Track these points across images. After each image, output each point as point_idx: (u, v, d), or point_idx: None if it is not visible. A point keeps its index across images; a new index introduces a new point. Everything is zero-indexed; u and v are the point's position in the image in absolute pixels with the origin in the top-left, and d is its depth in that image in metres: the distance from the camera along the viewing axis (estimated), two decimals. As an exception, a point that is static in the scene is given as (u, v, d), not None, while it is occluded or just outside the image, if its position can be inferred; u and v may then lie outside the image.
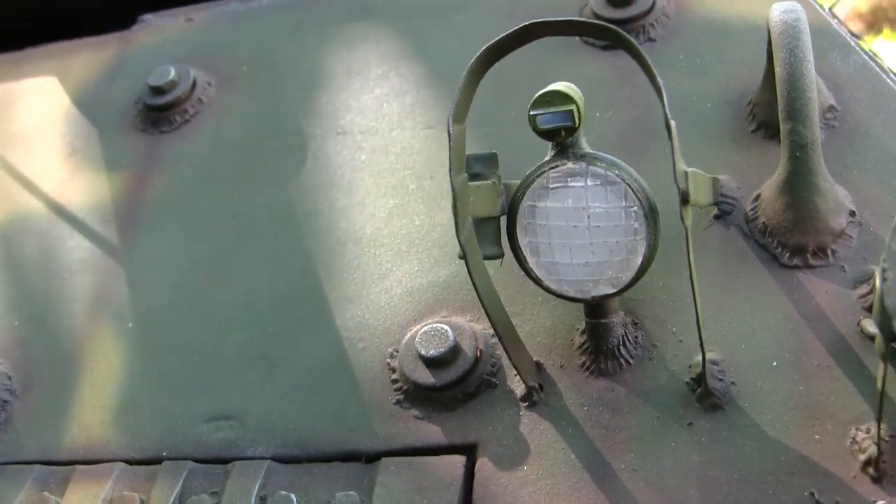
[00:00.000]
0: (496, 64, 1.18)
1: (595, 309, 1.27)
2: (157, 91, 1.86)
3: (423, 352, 1.33)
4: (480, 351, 1.34)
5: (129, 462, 1.44)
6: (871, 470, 1.13)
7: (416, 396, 1.35)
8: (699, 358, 1.21)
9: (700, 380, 1.23)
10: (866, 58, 1.48)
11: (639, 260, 1.17)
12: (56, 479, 1.44)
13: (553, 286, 1.22)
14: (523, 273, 1.23)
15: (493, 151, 1.21)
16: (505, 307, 1.27)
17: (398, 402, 1.36)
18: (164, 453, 1.43)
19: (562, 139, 1.15)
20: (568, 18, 1.13)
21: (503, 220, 1.21)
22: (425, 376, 1.33)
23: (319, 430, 1.38)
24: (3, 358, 1.63)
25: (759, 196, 1.35)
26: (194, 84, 1.87)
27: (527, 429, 1.28)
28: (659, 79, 1.07)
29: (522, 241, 1.20)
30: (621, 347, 1.29)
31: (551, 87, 1.13)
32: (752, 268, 1.32)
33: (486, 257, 1.21)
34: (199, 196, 1.73)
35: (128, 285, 1.65)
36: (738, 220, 1.36)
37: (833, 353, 1.22)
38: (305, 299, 1.52)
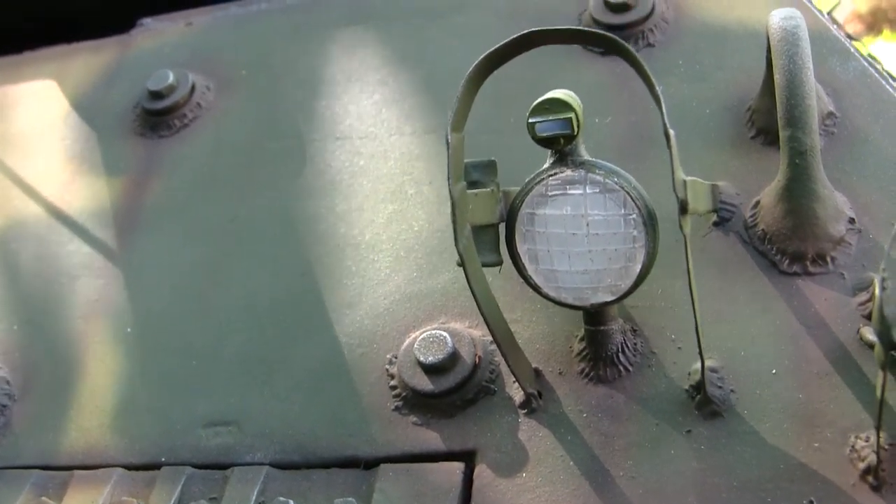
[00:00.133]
0: (495, 71, 1.18)
1: (594, 316, 1.26)
2: (156, 95, 1.86)
3: (421, 358, 1.33)
4: (479, 358, 1.34)
5: (128, 467, 1.44)
6: (870, 478, 1.13)
7: (415, 403, 1.35)
8: (698, 365, 1.21)
9: (699, 387, 1.22)
10: (865, 64, 1.48)
11: (637, 267, 1.17)
12: (54, 483, 1.44)
13: (552, 293, 1.22)
14: (522, 280, 1.23)
15: (492, 159, 1.21)
16: (503, 314, 1.27)
17: (397, 409, 1.36)
18: (163, 458, 1.43)
19: (560, 147, 1.15)
20: (568, 27, 1.13)
21: (502, 228, 1.21)
22: (424, 383, 1.33)
23: (318, 435, 1.38)
24: (2, 362, 1.63)
25: (758, 203, 1.35)
26: (193, 88, 1.87)
27: (525, 436, 1.28)
28: (658, 88, 1.07)
29: (521, 248, 1.20)
30: (620, 354, 1.29)
31: (550, 94, 1.13)
32: (751, 275, 1.32)
33: (485, 264, 1.21)
34: (197, 200, 1.73)
35: (126, 289, 1.65)
36: (738, 226, 1.36)
37: (832, 360, 1.22)
38: (304, 304, 1.52)
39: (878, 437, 1.10)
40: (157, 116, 1.86)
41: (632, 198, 1.15)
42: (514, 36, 1.12)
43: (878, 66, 1.54)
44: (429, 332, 1.35)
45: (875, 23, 6.25)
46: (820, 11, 1.59)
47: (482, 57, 1.14)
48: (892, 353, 0.99)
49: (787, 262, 1.31)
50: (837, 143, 1.41)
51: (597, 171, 1.15)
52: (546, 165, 1.18)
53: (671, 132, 1.05)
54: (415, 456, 1.31)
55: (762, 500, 1.15)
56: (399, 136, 1.66)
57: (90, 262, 1.72)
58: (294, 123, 1.75)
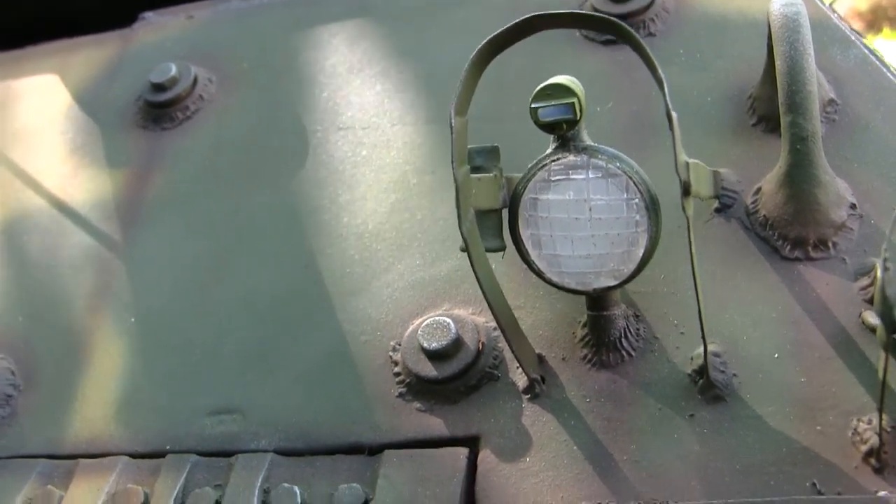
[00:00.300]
0: (497, 57, 1.18)
1: (597, 301, 1.27)
2: (159, 88, 1.87)
3: (425, 345, 1.33)
4: (482, 344, 1.35)
5: (133, 456, 1.44)
6: (872, 461, 1.13)
7: (419, 389, 1.35)
8: (701, 350, 1.22)
9: (702, 371, 1.23)
10: (866, 51, 1.49)
11: (640, 252, 1.18)
12: (60, 472, 1.45)
13: (555, 278, 1.23)
14: (525, 265, 1.24)
15: (495, 144, 1.22)
16: (507, 300, 1.27)
17: (401, 395, 1.37)
18: (168, 447, 1.44)
19: (563, 132, 1.16)
20: (570, 11, 1.14)
21: (505, 213, 1.22)
22: (428, 369, 1.34)
23: (322, 422, 1.39)
24: (7, 353, 1.64)
25: (759, 189, 1.36)
26: (195, 81, 1.87)
27: (529, 421, 1.29)
28: (660, 70, 1.08)
29: (524, 233, 1.21)
30: (623, 340, 1.29)
31: (552, 80, 1.14)
32: (753, 260, 1.33)
33: (489, 250, 1.22)
34: (200, 192, 1.73)
35: (130, 281, 1.66)
36: (739, 213, 1.37)
37: (834, 344, 1.23)
38: (308, 293, 1.52)
39: (881, 419, 1.11)
40: (160, 109, 1.86)
41: (634, 182, 1.15)
42: (517, 20, 1.13)
43: (879, 55, 1.54)
44: (432, 319, 1.35)
45: (875, 21, 6.25)
46: (821, 1, 1.59)
47: (485, 41, 1.15)
48: (894, 336, 1.00)
49: (788, 247, 1.31)
50: (838, 131, 1.41)
51: (599, 156, 1.16)
52: (548, 151, 1.19)
53: (674, 114, 1.05)
54: (419, 442, 1.32)
55: (765, 483, 1.15)
56: (401, 125, 1.66)
57: (94, 255, 1.72)
58: (296, 115, 1.76)
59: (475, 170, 1.21)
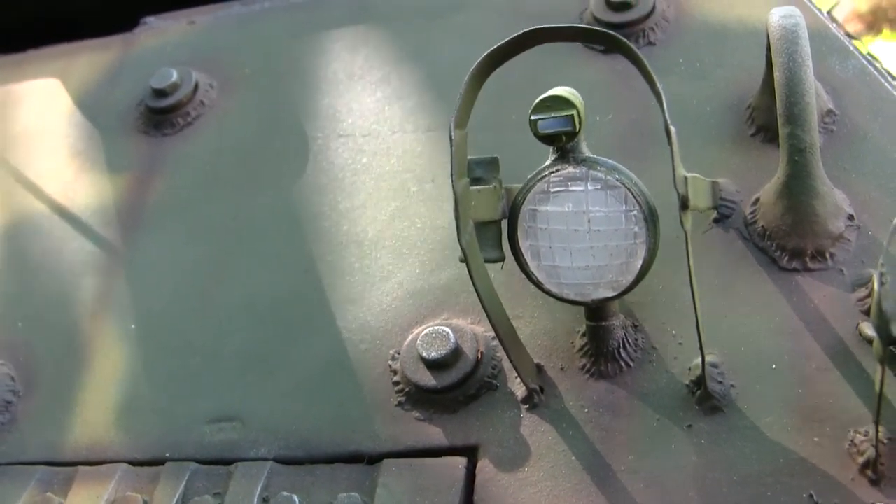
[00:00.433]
0: (497, 68, 1.19)
1: (595, 312, 1.27)
2: (160, 93, 1.87)
3: (424, 354, 1.34)
4: (481, 353, 1.35)
5: (132, 463, 1.44)
6: (869, 472, 1.14)
7: (418, 398, 1.36)
8: (699, 360, 1.22)
9: (700, 382, 1.23)
10: (865, 62, 1.49)
11: (639, 263, 1.18)
12: (59, 479, 1.45)
13: (554, 289, 1.23)
14: (524, 276, 1.24)
15: (495, 156, 1.22)
16: (506, 310, 1.28)
17: (400, 404, 1.37)
18: (167, 454, 1.44)
19: (562, 144, 1.16)
20: (570, 25, 1.14)
21: (504, 224, 1.22)
22: (427, 378, 1.34)
23: (321, 431, 1.39)
24: (7, 359, 1.64)
25: (758, 200, 1.36)
26: (196, 86, 1.88)
27: (527, 431, 1.29)
28: (658, 84, 1.08)
29: (523, 244, 1.21)
30: (621, 350, 1.30)
31: (552, 91, 1.14)
32: (751, 271, 1.33)
33: (488, 260, 1.22)
34: (201, 198, 1.73)
35: (130, 287, 1.66)
36: (738, 223, 1.37)
37: (832, 355, 1.23)
38: (307, 301, 1.53)
39: (877, 431, 1.11)
40: (161, 114, 1.86)
41: (633, 194, 1.16)
42: (518, 33, 1.13)
43: (878, 65, 1.55)
44: (431, 328, 1.36)
45: (875, 22, 6.25)
46: (819, 10, 1.59)
47: (485, 54, 1.15)
48: (891, 347, 1.00)
49: (786, 258, 1.32)
50: (837, 141, 1.42)
51: (598, 168, 1.16)
52: (548, 162, 1.19)
53: (672, 129, 1.06)
54: (418, 451, 1.32)
55: (762, 494, 1.16)
56: (401, 133, 1.67)
57: (94, 260, 1.72)
58: (297, 121, 1.76)
59: (475, 181, 1.21)
